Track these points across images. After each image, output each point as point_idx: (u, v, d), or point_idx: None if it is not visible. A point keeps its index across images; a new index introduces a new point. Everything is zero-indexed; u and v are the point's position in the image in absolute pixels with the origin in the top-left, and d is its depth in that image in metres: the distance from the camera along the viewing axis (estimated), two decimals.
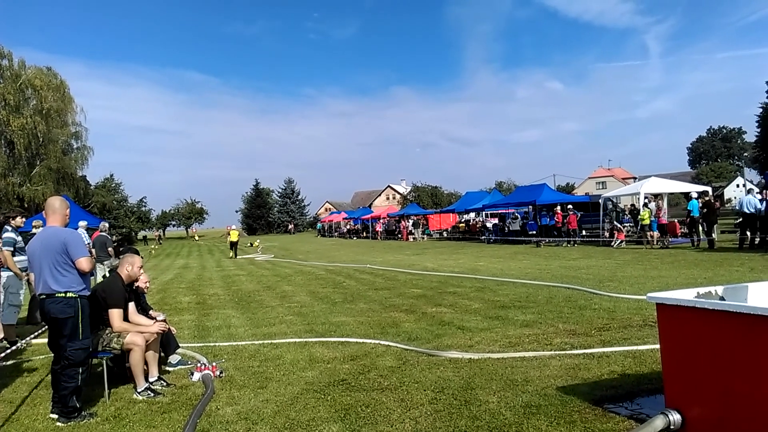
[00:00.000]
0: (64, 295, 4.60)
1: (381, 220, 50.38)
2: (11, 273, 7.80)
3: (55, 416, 4.59)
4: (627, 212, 26.64)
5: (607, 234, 24.16)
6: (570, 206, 26.49)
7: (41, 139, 43.84)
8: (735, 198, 19.27)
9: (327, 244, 44.07)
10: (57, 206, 4.88)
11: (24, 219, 8.77)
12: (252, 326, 8.68)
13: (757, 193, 19.82)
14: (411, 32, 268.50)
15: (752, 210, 17.53)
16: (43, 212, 5.05)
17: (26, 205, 40.34)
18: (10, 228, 8.33)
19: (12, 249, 7.95)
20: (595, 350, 5.84)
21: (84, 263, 4.65)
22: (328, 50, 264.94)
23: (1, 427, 4.54)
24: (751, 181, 70.96)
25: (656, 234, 20.95)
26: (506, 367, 5.40)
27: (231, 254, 31.23)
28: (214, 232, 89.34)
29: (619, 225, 23.92)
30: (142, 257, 6.26)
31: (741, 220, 18.42)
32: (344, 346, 6.83)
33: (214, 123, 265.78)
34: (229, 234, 34.33)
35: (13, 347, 6.33)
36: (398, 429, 3.99)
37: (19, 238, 8.29)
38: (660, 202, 22.23)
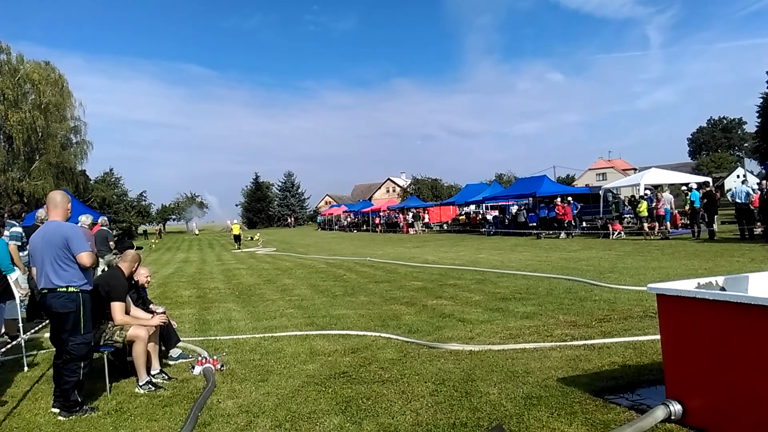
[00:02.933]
0: (65, 289, 4.59)
1: (381, 213, 50.37)
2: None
3: (56, 410, 4.60)
4: (627, 203, 26.62)
5: (599, 224, 24.19)
6: (570, 198, 26.48)
7: (40, 134, 43.77)
8: (734, 188, 19.38)
9: (327, 237, 44.07)
10: (58, 200, 4.87)
11: (24, 214, 8.80)
12: (253, 320, 8.69)
13: (756, 183, 19.86)
14: (411, 24, 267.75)
15: (742, 200, 17.73)
16: (45, 207, 5.04)
17: (26, 200, 40.36)
18: (16, 223, 8.37)
19: (20, 243, 8.00)
20: (596, 341, 5.85)
21: (85, 258, 4.64)
22: (328, 43, 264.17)
23: (3, 421, 4.55)
24: (752, 172, 71.00)
25: (655, 224, 20.96)
26: (507, 359, 5.41)
27: (236, 246, 32.69)
28: (213, 226, 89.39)
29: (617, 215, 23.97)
30: (141, 248, 6.28)
31: (737, 211, 18.53)
32: (345, 339, 6.84)
33: (214, 117, 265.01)
34: (231, 228, 36.39)
35: (15, 342, 6.35)
36: (399, 421, 4.00)
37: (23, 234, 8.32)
38: (660, 194, 22.21)
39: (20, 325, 6.59)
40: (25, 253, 7.87)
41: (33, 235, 4.89)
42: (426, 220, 44.13)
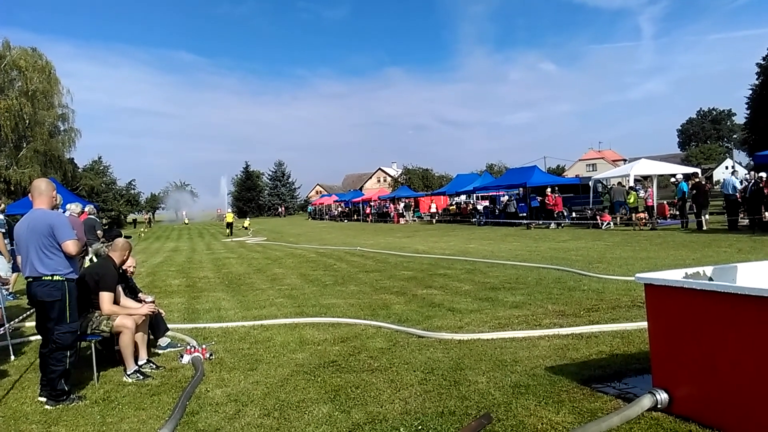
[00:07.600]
0: (50, 278, 4.53)
1: (372, 203, 50.31)
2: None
3: (43, 399, 4.57)
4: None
5: (589, 215, 24.32)
6: (556, 189, 26.63)
7: (27, 121, 43.18)
8: (723, 179, 19.77)
9: (318, 227, 43.99)
10: (43, 188, 4.80)
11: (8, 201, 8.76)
12: (242, 309, 8.66)
13: (745, 174, 20.06)
14: (404, 12, 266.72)
15: (729, 191, 17.99)
16: (29, 195, 4.97)
17: (13, 188, 39.91)
18: None
19: (4, 231, 7.93)
20: (584, 330, 5.88)
21: (71, 246, 4.59)
22: (321, 30, 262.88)
23: None
24: (740, 163, 71.58)
25: (643, 215, 21.10)
26: (495, 348, 5.43)
27: (227, 232, 34.04)
28: (203, 215, 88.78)
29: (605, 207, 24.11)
30: (129, 237, 6.22)
31: (726, 202, 18.80)
32: (335, 328, 6.84)
33: (205, 105, 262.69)
34: (225, 216, 38.32)
35: (0, 331, 6.29)
36: (388, 410, 4.00)
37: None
38: (649, 186, 22.34)
39: (3, 314, 6.52)
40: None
41: (18, 223, 4.83)
42: (429, 209, 43.79)
